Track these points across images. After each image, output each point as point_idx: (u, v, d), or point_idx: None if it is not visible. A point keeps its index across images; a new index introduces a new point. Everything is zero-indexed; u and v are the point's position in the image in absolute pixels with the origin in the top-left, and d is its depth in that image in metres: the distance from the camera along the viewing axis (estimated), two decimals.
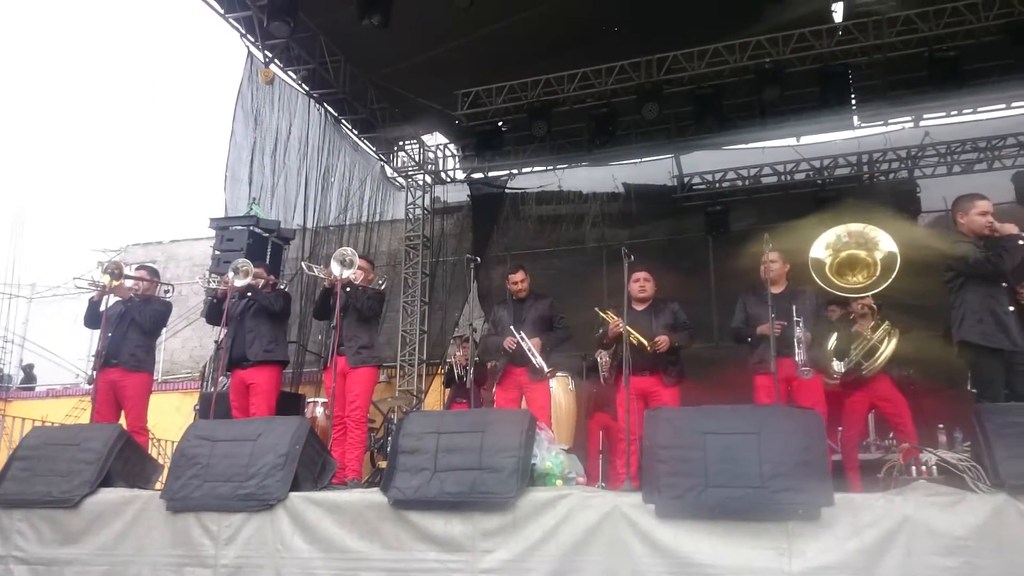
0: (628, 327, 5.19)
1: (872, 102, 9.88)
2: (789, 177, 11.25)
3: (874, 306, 5.54)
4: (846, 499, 3.52)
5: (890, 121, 10.40)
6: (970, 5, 8.10)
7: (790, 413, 4.00)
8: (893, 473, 4.09)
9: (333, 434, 5.73)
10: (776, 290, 5.40)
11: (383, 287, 6.24)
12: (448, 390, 8.63)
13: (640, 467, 3.89)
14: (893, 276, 5.01)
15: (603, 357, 6.91)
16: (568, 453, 4.36)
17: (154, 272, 6.57)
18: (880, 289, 5.18)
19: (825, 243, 5.37)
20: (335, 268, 5.70)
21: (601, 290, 9.11)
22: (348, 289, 5.71)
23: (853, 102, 9.58)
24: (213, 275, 6.94)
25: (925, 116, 10.39)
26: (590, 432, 7.39)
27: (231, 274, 6.06)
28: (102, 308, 6.08)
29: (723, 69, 9.06)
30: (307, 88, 10.07)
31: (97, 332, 6.10)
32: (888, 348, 5.45)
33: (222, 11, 8.79)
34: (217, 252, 8.13)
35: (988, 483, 3.45)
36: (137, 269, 6.53)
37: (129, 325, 6.08)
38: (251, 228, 8.08)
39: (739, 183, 11.39)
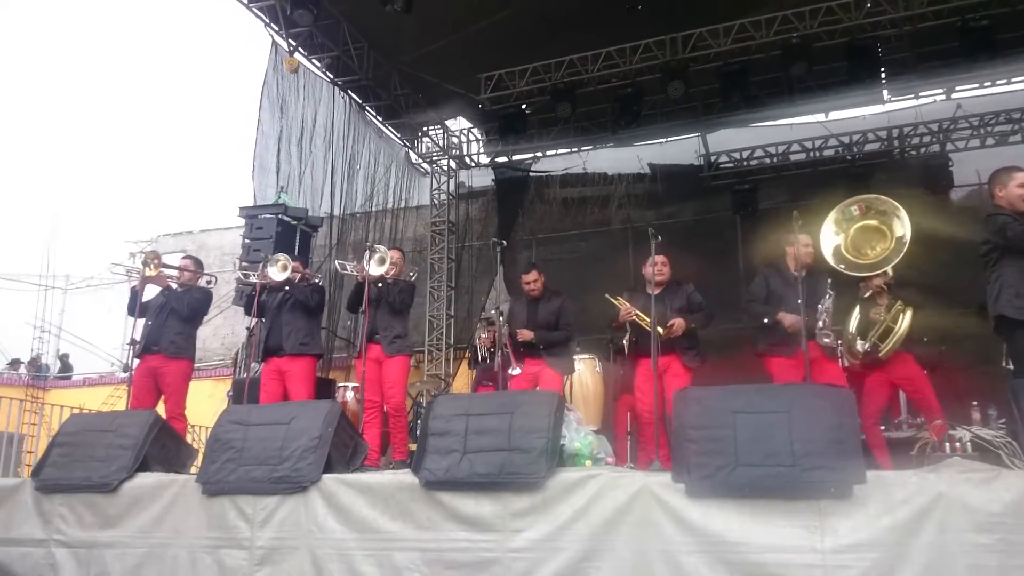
0: (639, 312, 5.18)
1: (902, 75, 9.70)
2: (818, 153, 11.08)
3: (884, 285, 5.43)
4: (878, 476, 3.49)
5: (921, 94, 10.18)
6: None
7: (821, 391, 3.97)
8: (926, 451, 4.04)
9: (364, 418, 5.80)
10: (799, 273, 5.29)
11: (413, 278, 6.27)
12: (474, 372, 8.67)
13: (670, 447, 3.89)
14: (906, 246, 4.99)
15: (630, 339, 6.90)
16: (597, 434, 4.36)
17: (198, 263, 6.63)
18: (898, 260, 5.13)
19: (834, 221, 5.32)
20: (370, 267, 5.75)
21: (628, 272, 9.08)
22: (380, 285, 5.76)
23: (883, 76, 9.43)
24: (250, 268, 7.00)
25: (957, 88, 10.14)
26: (618, 413, 7.36)
27: (269, 267, 6.12)
28: (144, 298, 6.18)
29: (749, 45, 8.94)
30: (331, 76, 10.12)
31: (132, 321, 6.19)
32: (902, 327, 5.34)
33: (246, 1, 8.83)
34: (247, 241, 8.23)
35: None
36: (183, 259, 6.61)
37: (169, 314, 6.16)
38: (280, 216, 8.17)
39: (767, 161, 11.25)
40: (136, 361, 6.10)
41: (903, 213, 5.16)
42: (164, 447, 4.98)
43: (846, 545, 3.34)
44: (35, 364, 16.13)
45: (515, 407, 4.29)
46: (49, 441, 5.35)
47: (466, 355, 9.74)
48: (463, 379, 10.94)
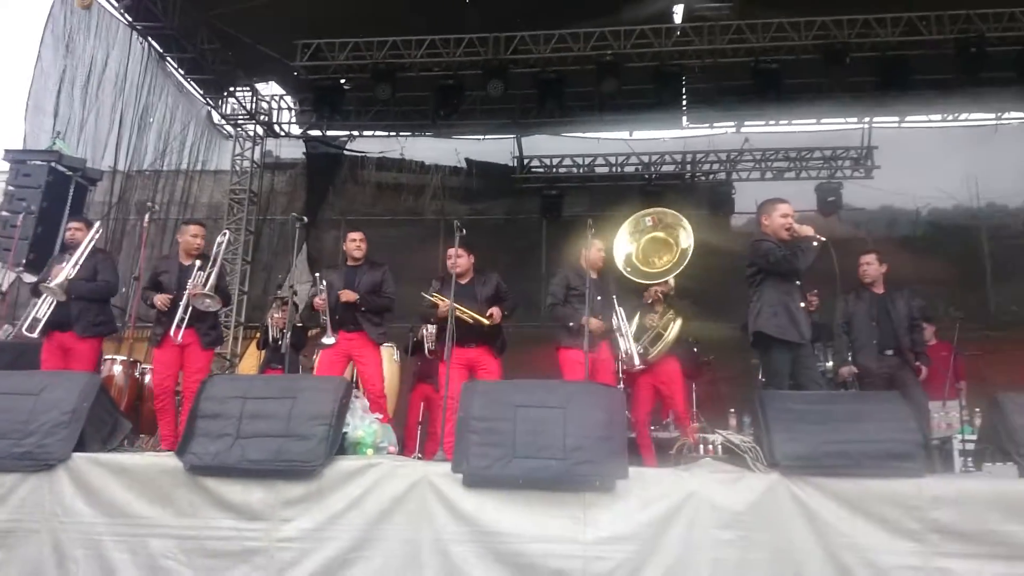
0: (458, 305, 5.22)
1: (700, 105, 10.50)
2: (620, 169, 11.69)
3: (661, 294, 5.88)
4: (639, 473, 3.74)
5: (715, 124, 11.11)
6: (793, 23, 8.75)
7: (596, 389, 4.19)
8: (683, 451, 4.38)
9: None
10: (594, 274, 5.69)
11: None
12: (263, 353, 8.28)
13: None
14: (688, 258, 5.46)
15: (428, 330, 6.90)
16: (383, 423, 4.30)
17: None
18: (680, 270, 5.59)
19: (628, 231, 5.75)
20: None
21: (437, 262, 9.09)
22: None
23: (684, 103, 10.12)
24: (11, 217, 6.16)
25: (746, 123, 11.15)
26: (411, 403, 7.39)
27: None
28: None
29: (567, 56, 9.24)
30: (130, 19, 9.15)
31: None
32: (671, 334, 5.81)
33: None
34: (11, 188, 7.23)
35: (765, 463, 3.77)
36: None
37: None
38: (52, 164, 7.24)
39: (574, 170, 11.71)
40: None
41: (687, 225, 5.66)
42: None
43: (606, 537, 3.55)
44: None
45: (298, 391, 4.16)
46: None
47: (255, 335, 9.26)
48: (251, 360, 10.40)
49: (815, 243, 4.77)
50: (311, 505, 3.71)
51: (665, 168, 11.63)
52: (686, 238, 5.65)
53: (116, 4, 8.98)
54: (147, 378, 6.60)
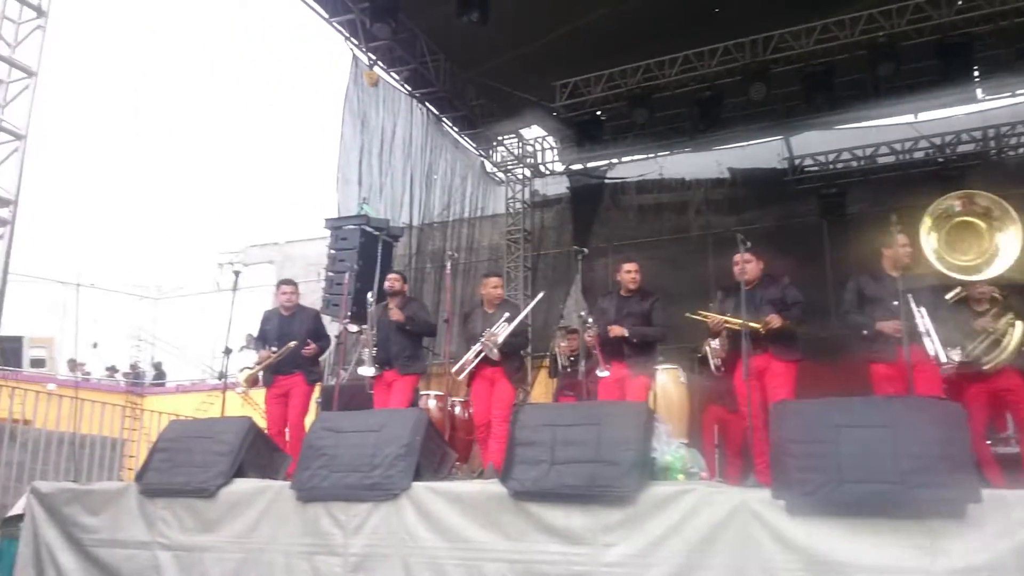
0: (732, 320, 5.02)
1: (997, 73, 9.24)
2: (908, 156, 10.65)
3: (997, 295, 5.13)
4: (995, 495, 3.31)
5: (1017, 92, 9.70)
6: None
7: (927, 404, 3.79)
8: None
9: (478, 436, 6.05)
10: (896, 274, 5.03)
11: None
12: (555, 381, 8.64)
13: (769, 462, 3.78)
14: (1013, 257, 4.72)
15: (711, 345, 6.73)
16: (688, 447, 4.27)
17: None
18: (1001, 271, 4.86)
19: (931, 219, 5.10)
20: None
21: (707, 279, 8.90)
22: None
23: (976, 74, 9.00)
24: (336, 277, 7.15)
25: None
26: (704, 426, 7.22)
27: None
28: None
29: (833, 46, 8.68)
30: (409, 88, 10.29)
31: (227, 330, 6.35)
32: (1014, 341, 5.03)
33: (327, 15, 9.09)
34: (332, 251, 8.40)
35: None
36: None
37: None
38: (362, 227, 8.31)
39: (854, 164, 10.88)
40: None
41: (1008, 208, 4.90)
42: (259, 453, 5.12)
43: (961, 568, 3.20)
44: (134, 371, 16.86)
45: (602, 418, 4.25)
46: (151, 446, 5.58)
47: (544, 363, 9.71)
48: (541, 388, 10.91)
49: None
50: (630, 531, 3.77)
51: (962, 148, 10.37)
52: (1010, 223, 4.91)
53: (397, 77, 10.12)
54: (456, 410, 7.24)
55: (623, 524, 3.80)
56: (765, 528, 3.51)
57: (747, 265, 5.36)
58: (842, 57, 8.80)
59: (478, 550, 4.08)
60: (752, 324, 5.07)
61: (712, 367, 6.91)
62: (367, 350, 6.09)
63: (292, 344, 6.21)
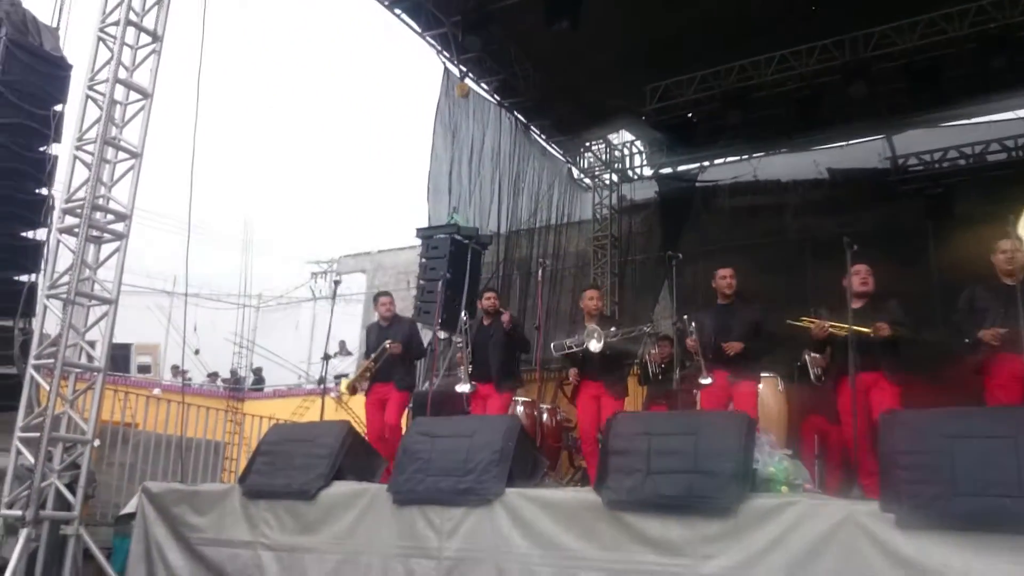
0: (838, 324, 4.82)
1: None
2: (1021, 153, 10.03)
3: None
4: None
5: None
6: None
7: None
8: None
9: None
10: (1011, 281, 4.74)
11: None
12: (645, 388, 8.51)
13: (876, 473, 3.61)
14: None
15: (811, 355, 6.49)
16: (792, 459, 4.13)
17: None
18: None
19: None
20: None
21: (805, 285, 8.61)
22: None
23: None
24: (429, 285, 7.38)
25: None
26: (803, 436, 6.97)
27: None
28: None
29: (940, 40, 8.27)
30: (498, 98, 10.40)
31: (326, 338, 6.60)
32: None
33: (420, 30, 9.28)
34: (423, 260, 8.59)
35: None
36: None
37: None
38: (453, 236, 8.48)
39: (961, 162, 10.32)
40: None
41: None
42: (357, 457, 5.24)
43: None
44: (234, 377, 17.60)
45: (699, 428, 4.16)
46: (253, 450, 5.79)
47: (635, 371, 9.59)
48: (630, 396, 10.75)
49: None
50: (731, 543, 3.66)
51: None
52: None
53: (487, 87, 10.24)
54: (544, 417, 7.24)
55: (723, 536, 3.70)
56: (873, 542, 3.36)
57: (869, 278, 5.17)
58: (949, 51, 8.38)
59: (572, 558, 4.05)
60: (860, 329, 4.85)
61: (812, 376, 6.69)
62: (462, 368, 6.23)
63: (387, 343, 6.40)
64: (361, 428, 6.61)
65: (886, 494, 3.43)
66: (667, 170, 11.96)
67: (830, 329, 4.95)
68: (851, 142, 10.59)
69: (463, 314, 6.42)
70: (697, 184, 11.84)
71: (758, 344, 5.63)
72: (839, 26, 8.65)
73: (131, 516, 5.61)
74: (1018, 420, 3.45)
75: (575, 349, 6.01)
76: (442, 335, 8.19)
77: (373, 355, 6.48)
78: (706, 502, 3.75)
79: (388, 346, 6.41)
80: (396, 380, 6.54)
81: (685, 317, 5.91)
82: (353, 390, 6.78)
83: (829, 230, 9.55)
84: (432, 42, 9.40)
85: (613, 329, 6.07)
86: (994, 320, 4.71)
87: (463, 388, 6.22)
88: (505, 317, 6.33)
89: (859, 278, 5.08)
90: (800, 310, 5.53)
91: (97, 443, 5.90)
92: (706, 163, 11.64)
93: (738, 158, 11.36)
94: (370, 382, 6.62)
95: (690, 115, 9.86)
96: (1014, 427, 3.35)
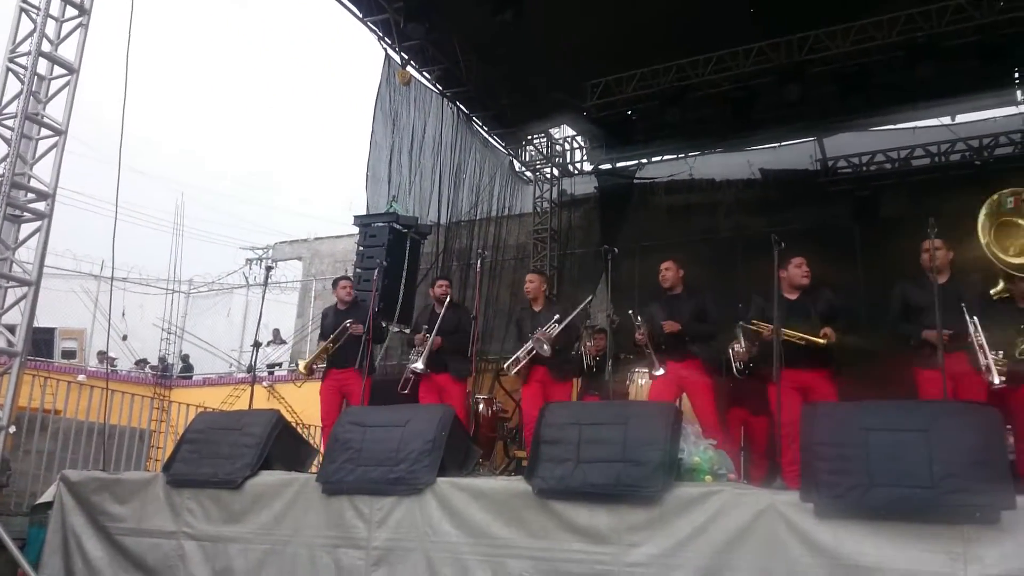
0: (789, 326, 4.94)
1: None
2: (944, 158, 10.46)
3: None
4: None
5: None
6: None
7: (963, 409, 3.73)
8: None
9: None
10: (941, 279, 4.93)
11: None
12: (579, 380, 8.60)
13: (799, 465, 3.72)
14: None
15: (735, 349, 6.65)
16: (717, 449, 4.23)
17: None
18: None
19: (988, 207, 5.00)
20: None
21: (735, 281, 8.80)
22: None
23: (1016, 76, 8.82)
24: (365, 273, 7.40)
25: None
26: (730, 427, 7.15)
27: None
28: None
29: (871, 47, 8.56)
30: (440, 87, 10.31)
31: (255, 326, 6.49)
32: None
33: (361, 15, 9.13)
34: (361, 248, 8.48)
35: None
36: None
37: None
38: (391, 224, 8.39)
39: (888, 166, 10.71)
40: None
41: None
42: (286, 446, 5.17)
43: (994, 575, 3.11)
44: (162, 364, 17.10)
45: (628, 417, 4.23)
46: (178, 438, 5.65)
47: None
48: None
49: None
50: (655, 531, 3.74)
51: (1000, 151, 10.16)
52: None
53: (429, 76, 10.15)
54: (480, 407, 7.27)
55: (648, 524, 3.78)
56: (792, 531, 3.47)
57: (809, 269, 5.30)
58: (879, 58, 8.67)
59: (501, 547, 4.08)
60: (815, 339, 5.04)
61: (735, 370, 6.86)
62: (423, 348, 6.19)
63: (348, 322, 6.39)
64: (293, 418, 6.53)
65: (806, 484, 3.55)
66: (606, 166, 12.06)
67: (785, 339, 5.01)
68: (783, 143, 10.87)
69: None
70: (635, 181, 11.99)
71: (699, 327, 5.72)
72: (775, 29, 8.85)
73: (48, 505, 5.41)
74: (930, 413, 3.60)
75: (525, 359, 5.99)
76: (394, 329, 8.15)
77: (332, 335, 6.45)
78: (633, 491, 3.82)
79: (349, 325, 6.36)
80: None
81: (630, 312, 6.00)
82: (310, 370, 6.82)
83: (760, 229, 9.78)
84: (374, 28, 9.26)
85: (557, 317, 6.08)
86: (933, 320, 4.85)
87: (416, 366, 6.17)
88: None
89: (802, 271, 5.23)
90: (730, 306, 5.67)
91: (13, 430, 5.68)
92: (644, 160, 11.78)
93: (675, 156, 11.54)
94: (328, 367, 6.58)
95: (629, 112, 9.98)
96: (926, 420, 3.50)
